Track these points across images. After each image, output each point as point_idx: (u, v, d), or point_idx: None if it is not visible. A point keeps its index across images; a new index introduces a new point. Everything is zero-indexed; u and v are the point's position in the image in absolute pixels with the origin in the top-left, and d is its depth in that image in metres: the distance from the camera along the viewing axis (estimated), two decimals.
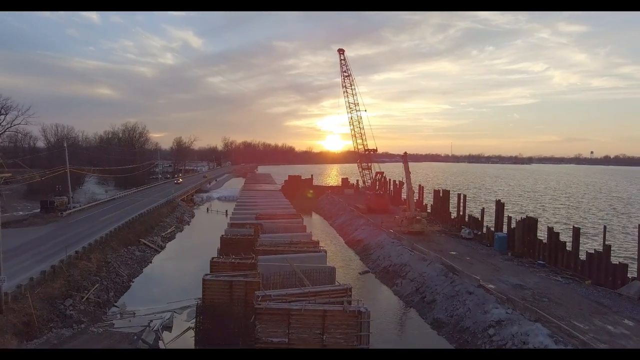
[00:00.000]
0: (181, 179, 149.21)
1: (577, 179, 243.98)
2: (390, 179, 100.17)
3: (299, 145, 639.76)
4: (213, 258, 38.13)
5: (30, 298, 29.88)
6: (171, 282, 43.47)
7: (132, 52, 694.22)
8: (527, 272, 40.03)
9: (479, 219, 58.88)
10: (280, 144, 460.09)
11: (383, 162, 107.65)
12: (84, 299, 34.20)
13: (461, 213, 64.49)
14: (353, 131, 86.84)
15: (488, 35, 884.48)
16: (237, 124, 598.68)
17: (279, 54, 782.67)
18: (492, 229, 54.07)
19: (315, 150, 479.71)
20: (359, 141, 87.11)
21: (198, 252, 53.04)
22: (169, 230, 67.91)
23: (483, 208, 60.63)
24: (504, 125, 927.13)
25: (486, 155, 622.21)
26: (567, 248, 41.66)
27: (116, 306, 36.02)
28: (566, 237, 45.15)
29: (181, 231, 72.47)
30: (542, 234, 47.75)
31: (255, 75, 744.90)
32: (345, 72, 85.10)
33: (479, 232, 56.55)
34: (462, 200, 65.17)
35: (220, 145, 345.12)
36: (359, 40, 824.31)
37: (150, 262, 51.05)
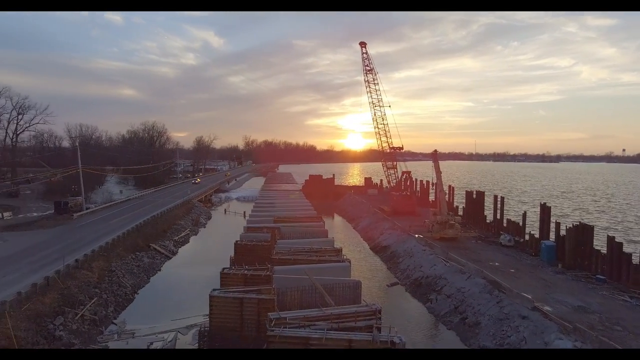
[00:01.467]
0: (199, 178, 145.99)
1: (613, 177, 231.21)
2: (416, 179, 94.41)
3: (320, 144, 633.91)
4: (224, 269, 34.08)
5: (11, 317, 26.10)
6: (180, 293, 39.44)
7: (154, 52, 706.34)
8: (586, 290, 34.20)
9: (520, 224, 52.92)
10: (301, 142, 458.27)
11: (406, 160, 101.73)
12: (78, 316, 30.38)
13: (498, 217, 58.45)
14: (377, 128, 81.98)
15: (512, 30, 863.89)
16: (257, 122, 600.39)
17: (297, 52, 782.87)
18: (536, 235, 48.23)
19: (337, 148, 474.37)
20: (384, 139, 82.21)
21: (212, 258, 48.81)
22: (182, 234, 64.23)
23: (525, 212, 54.43)
24: (529, 122, 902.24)
25: (512, 153, 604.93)
26: (634, 261, 35.58)
27: (115, 324, 32.05)
28: (626, 247, 38.98)
29: (196, 234, 68.73)
30: (596, 243, 41.63)
31: (274, 74, 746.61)
32: (367, 66, 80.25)
33: (521, 239, 50.69)
34: (498, 203, 59.05)
35: (241, 144, 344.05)
36: (379, 38, 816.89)
37: (159, 270, 47.20)
